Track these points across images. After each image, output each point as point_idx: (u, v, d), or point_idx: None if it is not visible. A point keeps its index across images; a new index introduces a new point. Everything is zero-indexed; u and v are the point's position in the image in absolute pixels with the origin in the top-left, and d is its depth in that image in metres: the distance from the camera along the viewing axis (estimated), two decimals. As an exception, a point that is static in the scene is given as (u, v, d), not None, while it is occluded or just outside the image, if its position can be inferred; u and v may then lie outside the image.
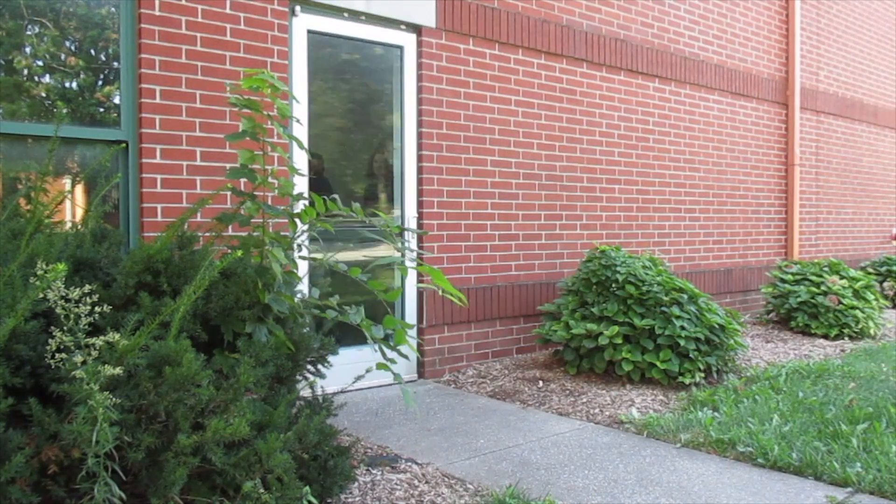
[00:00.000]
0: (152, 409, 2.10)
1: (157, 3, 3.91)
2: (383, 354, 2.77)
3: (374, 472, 3.17)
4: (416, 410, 3.07)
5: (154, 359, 2.15)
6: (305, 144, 4.42)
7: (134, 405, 2.08)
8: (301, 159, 4.47)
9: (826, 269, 6.92)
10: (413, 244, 3.88)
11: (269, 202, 3.93)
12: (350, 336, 4.77)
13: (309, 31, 4.54)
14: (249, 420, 2.18)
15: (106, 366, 1.95)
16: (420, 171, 5.03)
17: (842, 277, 6.80)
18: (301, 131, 4.48)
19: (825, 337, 6.46)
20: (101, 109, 4.04)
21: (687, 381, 4.58)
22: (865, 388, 4.46)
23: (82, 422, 1.90)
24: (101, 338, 1.99)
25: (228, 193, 4.00)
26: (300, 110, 4.49)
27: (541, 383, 4.81)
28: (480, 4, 5.31)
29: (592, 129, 6.14)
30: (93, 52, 4.01)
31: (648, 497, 2.98)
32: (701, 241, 7.22)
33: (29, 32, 3.78)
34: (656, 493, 3.02)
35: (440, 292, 2.74)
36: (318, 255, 3.22)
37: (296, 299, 2.83)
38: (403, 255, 2.91)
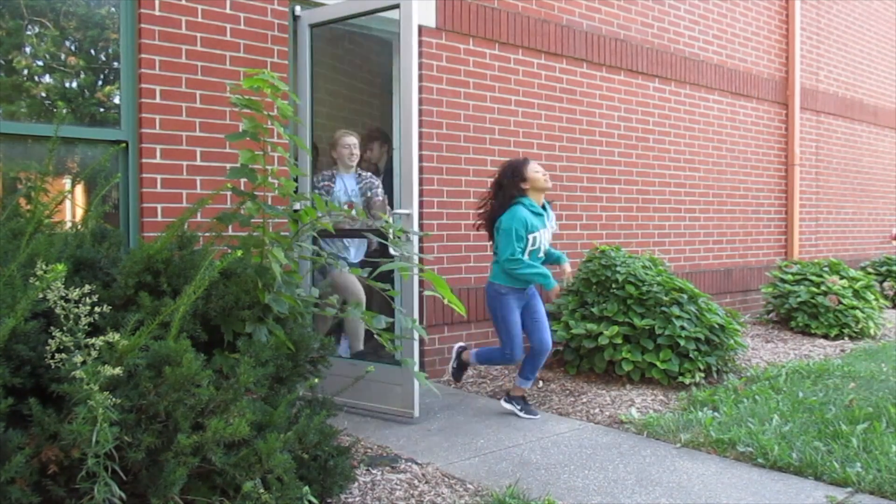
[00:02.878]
0: (152, 409, 2.09)
1: (157, 3, 3.91)
2: (386, 344, 2.81)
3: (374, 472, 3.17)
4: (430, 389, 3.07)
5: (154, 359, 2.14)
6: (308, 144, 4.41)
7: (134, 405, 2.08)
8: (302, 159, 4.47)
9: (826, 269, 6.92)
10: (415, 246, 3.89)
11: (270, 202, 3.93)
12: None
13: (310, 27, 4.53)
14: (249, 420, 2.18)
15: (106, 366, 1.95)
16: (420, 170, 5.03)
17: (842, 277, 6.80)
18: (303, 131, 4.47)
19: (825, 337, 6.46)
20: (101, 109, 4.04)
21: (687, 381, 4.58)
22: (865, 388, 4.46)
23: (82, 422, 1.90)
24: (101, 338, 1.99)
25: (228, 193, 4.00)
26: (302, 110, 4.48)
27: (541, 383, 4.81)
28: (480, 4, 5.31)
29: (592, 129, 6.14)
30: (93, 52, 4.01)
31: (648, 497, 2.98)
32: (701, 241, 7.22)
33: (29, 32, 3.78)
34: (656, 493, 3.02)
35: (445, 301, 2.77)
36: (318, 257, 3.22)
37: (296, 299, 2.83)
38: (408, 259, 2.93)
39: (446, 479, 3.14)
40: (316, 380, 2.80)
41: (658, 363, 4.60)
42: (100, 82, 4.06)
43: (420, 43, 5.02)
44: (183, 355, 2.12)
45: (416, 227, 3.97)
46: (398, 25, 4.04)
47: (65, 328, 1.97)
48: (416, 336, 3.94)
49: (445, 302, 2.75)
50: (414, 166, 4.02)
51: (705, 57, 7.19)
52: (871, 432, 3.55)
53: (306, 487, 2.35)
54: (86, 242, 2.70)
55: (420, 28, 5.01)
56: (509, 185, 4.13)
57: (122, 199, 3.93)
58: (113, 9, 3.95)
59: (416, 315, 3.93)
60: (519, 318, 4.16)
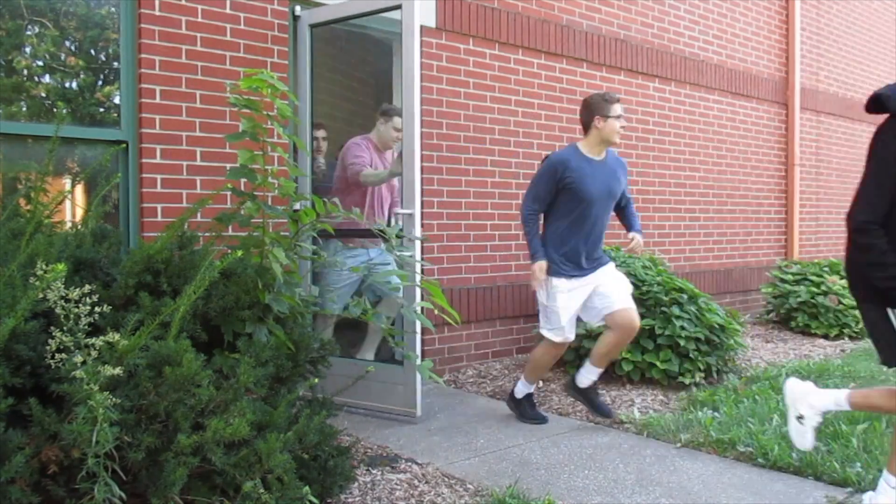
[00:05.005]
0: (152, 410, 2.10)
1: (157, 3, 3.91)
2: (390, 340, 2.83)
3: (374, 472, 3.17)
4: (435, 383, 3.10)
5: (154, 359, 2.14)
6: (308, 144, 4.41)
7: (134, 405, 2.08)
8: (303, 159, 4.46)
9: (826, 269, 6.92)
10: (417, 248, 3.89)
11: (270, 202, 3.93)
12: (344, 347, 4.77)
13: (310, 27, 4.54)
14: (249, 420, 2.18)
15: (106, 366, 1.95)
16: (420, 170, 5.02)
17: (842, 277, 6.79)
18: (303, 131, 4.47)
19: (825, 337, 6.46)
20: (101, 109, 4.04)
21: (687, 381, 4.58)
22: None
23: (82, 422, 1.90)
24: (101, 338, 1.98)
25: (228, 193, 4.00)
26: (302, 110, 4.48)
27: (541, 383, 4.81)
28: (480, 4, 5.31)
29: (592, 129, 6.13)
30: (93, 52, 4.01)
31: (648, 497, 2.97)
32: (701, 241, 7.22)
33: (29, 32, 3.78)
34: (656, 493, 3.02)
35: (436, 312, 2.79)
36: (318, 257, 3.22)
37: (296, 298, 2.83)
38: (409, 267, 2.94)
39: (446, 479, 3.14)
40: (316, 380, 2.81)
41: (658, 363, 4.60)
42: (100, 82, 4.06)
43: (420, 43, 5.01)
44: (183, 355, 2.12)
45: (418, 228, 3.97)
46: (399, 25, 4.04)
47: (65, 328, 1.97)
48: (419, 329, 3.96)
49: (436, 312, 2.76)
50: (416, 166, 4.02)
51: (705, 57, 7.19)
52: (871, 432, 3.55)
53: (306, 487, 2.35)
54: (86, 242, 2.70)
55: (420, 28, 5.00)
56: None
57: (122, 199, 3.92)
58: (113, 9, 3.95)
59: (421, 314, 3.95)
60: None
